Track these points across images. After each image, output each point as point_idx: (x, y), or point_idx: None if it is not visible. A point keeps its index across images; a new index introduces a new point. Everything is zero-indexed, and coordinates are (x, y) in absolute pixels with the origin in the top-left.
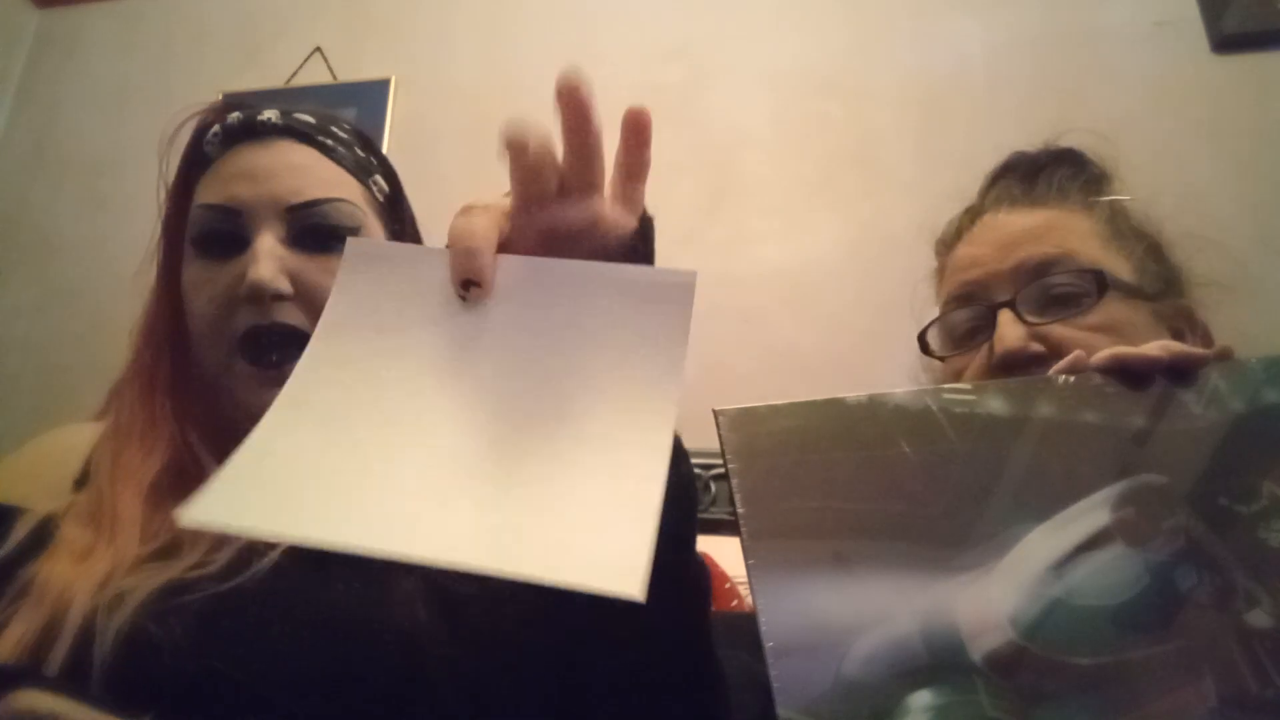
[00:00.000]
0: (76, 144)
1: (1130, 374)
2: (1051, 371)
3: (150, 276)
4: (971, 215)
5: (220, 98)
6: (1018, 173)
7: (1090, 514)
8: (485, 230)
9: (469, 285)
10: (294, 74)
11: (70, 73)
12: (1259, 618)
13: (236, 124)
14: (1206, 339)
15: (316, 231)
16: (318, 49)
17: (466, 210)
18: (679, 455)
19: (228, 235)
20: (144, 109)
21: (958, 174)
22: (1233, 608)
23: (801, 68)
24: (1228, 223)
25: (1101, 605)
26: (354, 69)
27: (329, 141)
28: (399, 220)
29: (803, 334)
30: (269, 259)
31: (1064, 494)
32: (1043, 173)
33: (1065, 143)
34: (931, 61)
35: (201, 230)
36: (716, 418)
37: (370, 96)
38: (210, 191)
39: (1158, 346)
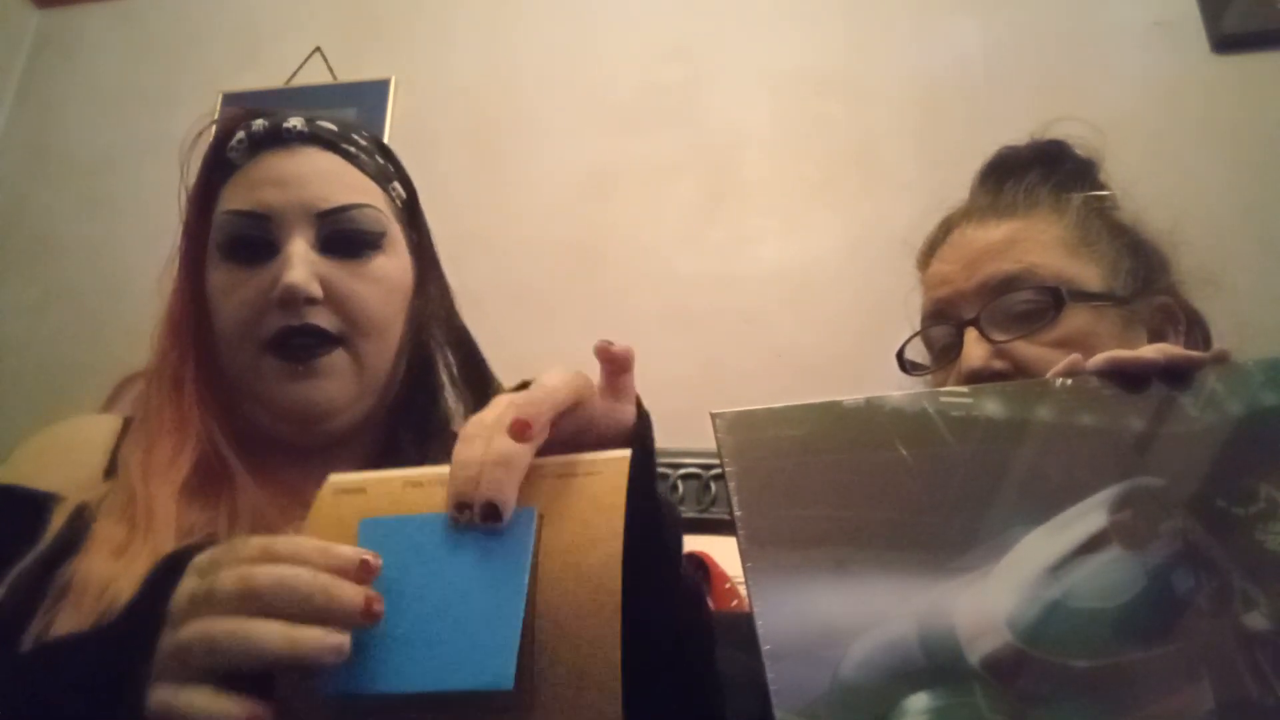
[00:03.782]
0: (76, 144)
1: (1127, 377)
2: (1049, 375)
3: (171, 278)
4: (945, 228)
5: (220, 98)
6: (991, 179)
7: (1088, 516)
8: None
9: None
10: (294, 74)
11: (70, 73)
12: (1256, 620)
13: (262, 131)
14: (1197, 332)
15: (345, 237)
16: (318, 49)
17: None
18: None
19: (257, 241)
20: (144, 109)
21: (958, 174)
22: (1230, 610)
23: (801, 68)
24: (1226, 223)
25: (1099, 608)
26: (354, 69)
27: (352, 149)
28: (417, 228)
29: (803, 334)
30: (303, 264)
31: (1061, 497)
32: (1011, 179)
33: (1053, 134)
34: (931, 61)
35: (229, 235)
36: (714, 420)
37: (370, 96)
38: (237, 198)
39: (1154, 349)
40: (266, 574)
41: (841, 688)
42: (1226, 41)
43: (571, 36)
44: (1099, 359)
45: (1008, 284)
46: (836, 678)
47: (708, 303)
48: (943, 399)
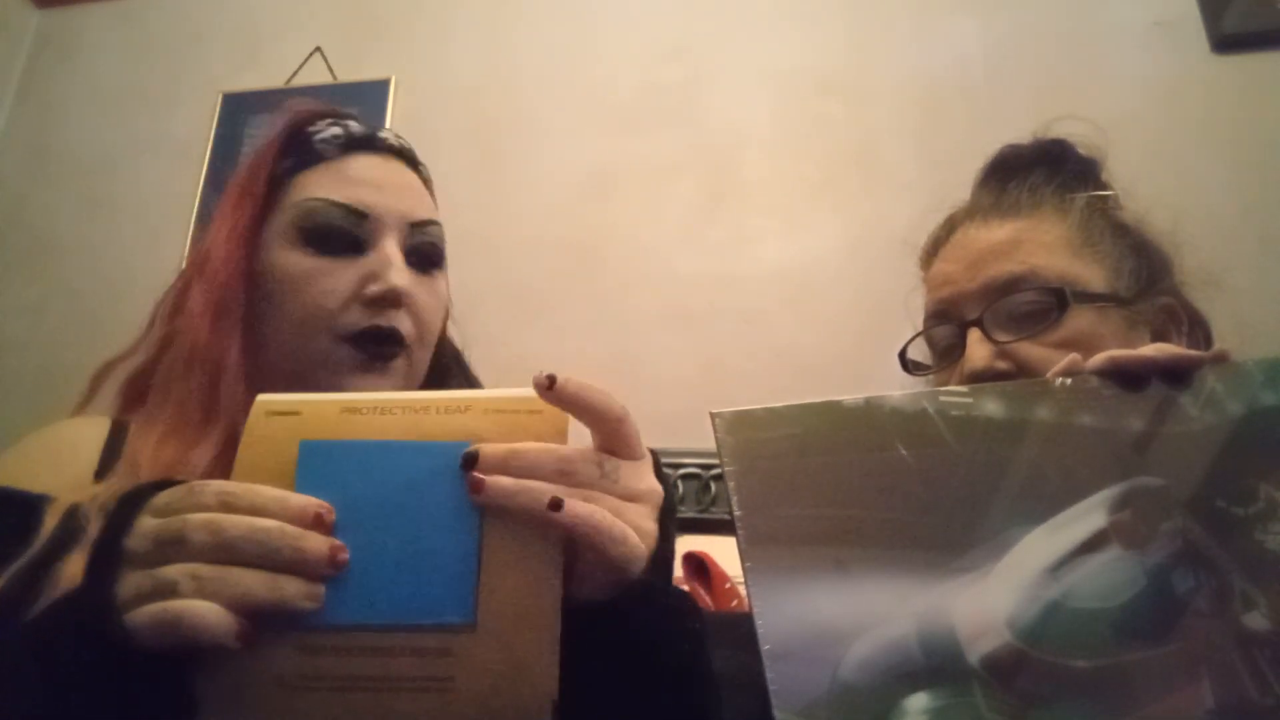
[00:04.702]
0: (76, 144)
1: (1126, 376)
2: (1049, 375)
3: (201, 255)
4: (948, 227)
5: (220, 98)
6: (995, 178)
7: (1087, 516)
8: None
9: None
10: (294, 74)
11: (70, 73)
12: (1256, 620)
13: (360, 133)
14: (1199, 332)
15: (424, 250)
16: (318, 49)
17: None
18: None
19: (348, 235)
20: (144, 109)
21: (958, 174)
22: (1230, 610)
23: (801, 68)
24: (1227, 223)
25: (1099, 608)
26: (354, 69)
27: (425, 172)
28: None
29: (803, 334)
30: (402, 269)
31: (1061, 497)
32: (1015, 178)
33: (1055, 132)
34: (931, 61)
35: (318, 223)
36: (713, 420)
37: (370, 96)
38: (331, 189)
39: (1153, 348)
40: (235, 525)
41: (841, 688)
42: (1226, 41)
43: (571, 36)
44: (1098, 358)
45: (1011, 285)
46: (836, 678)
47: (708, 303)
48: (942, 399)
